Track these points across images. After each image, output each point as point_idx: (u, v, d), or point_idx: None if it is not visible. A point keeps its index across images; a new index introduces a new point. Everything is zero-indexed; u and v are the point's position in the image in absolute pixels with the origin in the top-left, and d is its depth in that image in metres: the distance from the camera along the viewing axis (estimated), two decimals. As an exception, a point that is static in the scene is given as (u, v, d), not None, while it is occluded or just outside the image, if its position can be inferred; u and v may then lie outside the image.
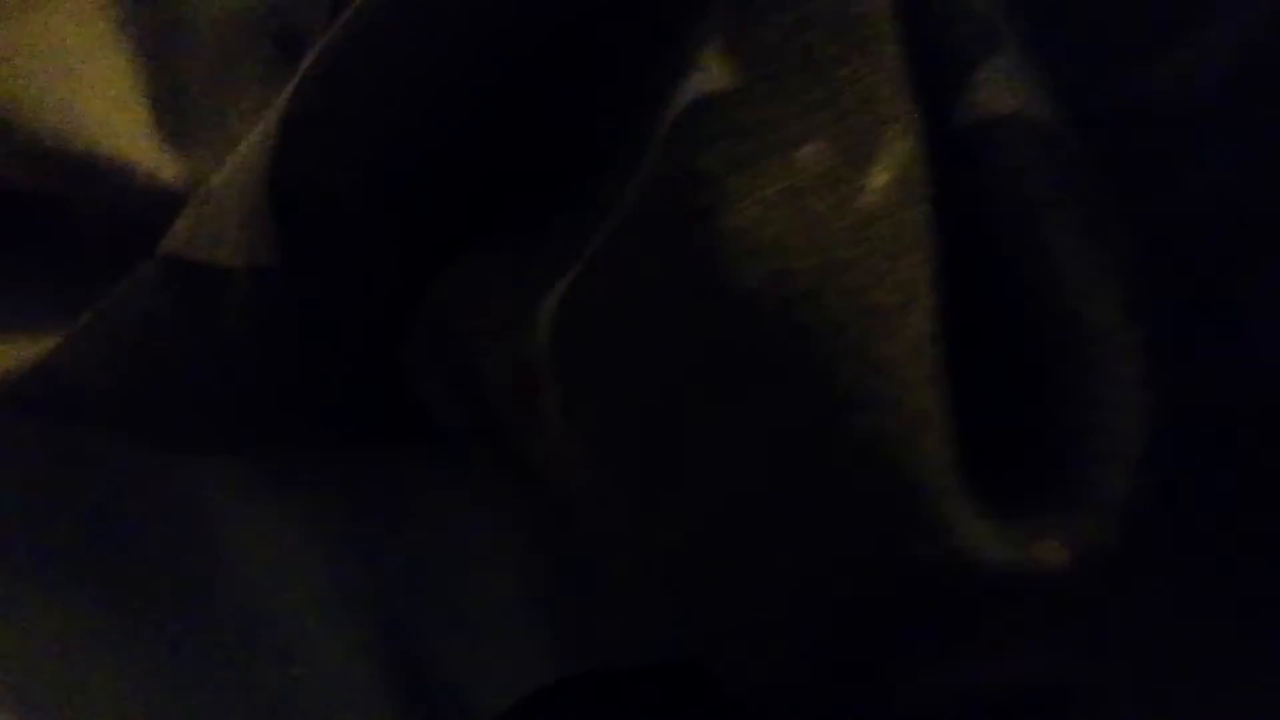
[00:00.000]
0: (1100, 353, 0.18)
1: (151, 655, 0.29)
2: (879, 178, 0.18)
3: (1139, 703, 0.20)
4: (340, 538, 0.29)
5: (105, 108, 0.26)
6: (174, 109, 0.26)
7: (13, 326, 0.26)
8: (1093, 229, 0.19)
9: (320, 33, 0.23)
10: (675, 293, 0.18)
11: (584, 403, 0.20)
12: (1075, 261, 0.18)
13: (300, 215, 0.23)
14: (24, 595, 0.29)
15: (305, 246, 0.23)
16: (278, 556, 0.29)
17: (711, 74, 0.18)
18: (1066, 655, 0.19)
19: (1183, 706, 0.20)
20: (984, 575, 0.16)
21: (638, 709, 0.25)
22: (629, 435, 0.20)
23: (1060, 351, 0.18)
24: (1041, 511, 0.17)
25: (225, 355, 0.24)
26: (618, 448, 0.20)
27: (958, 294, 0.18)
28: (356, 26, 0.21)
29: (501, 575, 0.29)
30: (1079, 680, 0.20)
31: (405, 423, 0.28)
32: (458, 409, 0.25)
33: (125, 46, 0.26)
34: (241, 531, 0.30)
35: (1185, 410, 0.18)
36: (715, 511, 0.19)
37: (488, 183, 0.23)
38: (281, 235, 0.23)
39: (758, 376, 0.18)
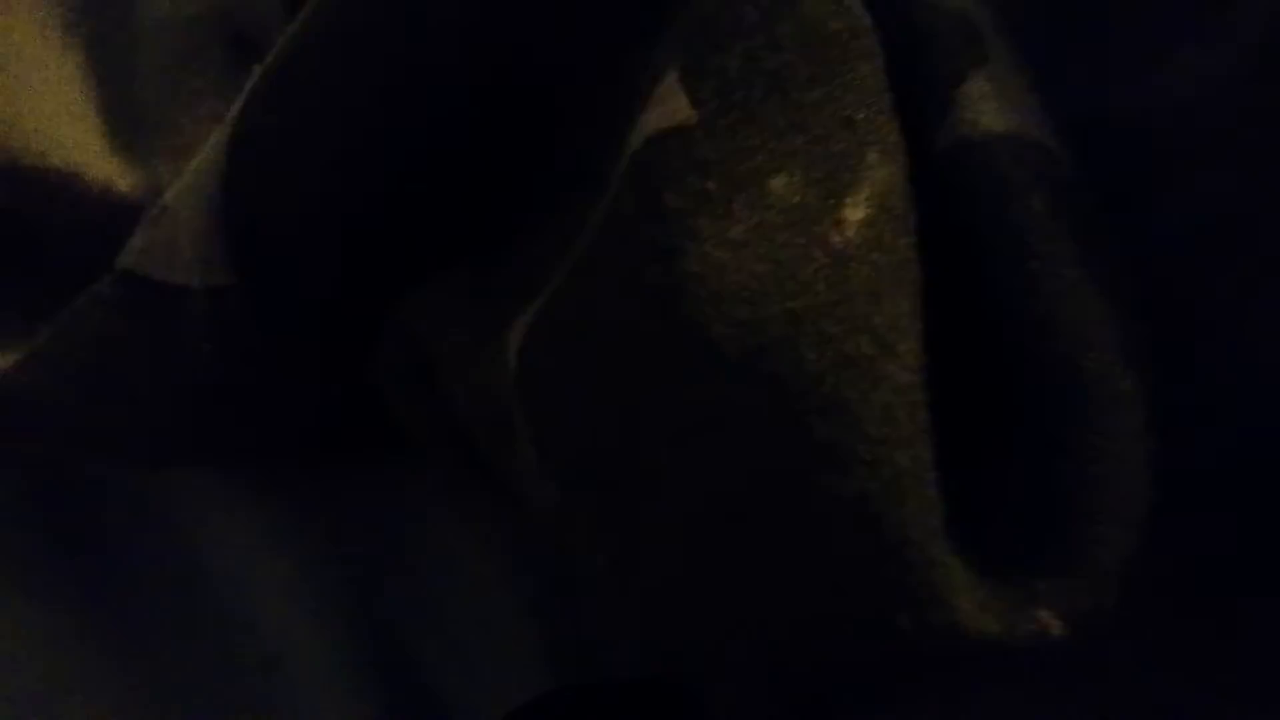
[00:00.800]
0: (1097, 401, 0.17)
1: (132, 664, 0.29)
2: (856, 211, 0.17)
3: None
4: (323, 545, 0.29)
5: (56, 118, 0.25)
6: (128, 118, 0.25)
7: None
8: (1088, 260, 0.17)
9: (277, 35, 0.22)
10: (637, 337, 0.17)
11: (551, 440, 0.19)
12: (1069, 301, 0.17)
13: (253, 237, 0.22)
14: (3, 604, 0.29)
15: (260, 267, 0.22)
16: (259, 565, 0.29)
17: (671, 106, 0.17)
18: (1045, 711, 0.18)
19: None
20: (972, 646, 0.15)
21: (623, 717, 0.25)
22: (596, 475, 0.19)
23: (1054, 400, 0.17)
24: (1035, 575, 0.16)
25: (184, 373, 0.24)
26: (586, 487, 0.19)
27: (941, 335, 0.17)
28: (303, 42, 0.20)
29: (487, 582, 0.28)
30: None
31: (379, 432, 0.27)
32: (430, 423, 0.24)
33: (75, 54, 0.25)
34: (223, 540, 0.29)
35: (1184, 445, 0.17)
36: (685, 558, 0.18)
37: (446, 205, 0.22)
38: (235, 257, 0.22)
39: (725, 429, 0.16)
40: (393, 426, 0.26)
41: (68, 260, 0.26)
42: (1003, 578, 0.16)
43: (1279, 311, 0.19)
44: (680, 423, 0.17)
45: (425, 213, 0.21)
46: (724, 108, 0.17)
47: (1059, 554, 0.16)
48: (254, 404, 0.25)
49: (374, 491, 0.29)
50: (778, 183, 0.17)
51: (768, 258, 0.17)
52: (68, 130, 0.25)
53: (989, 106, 0.18)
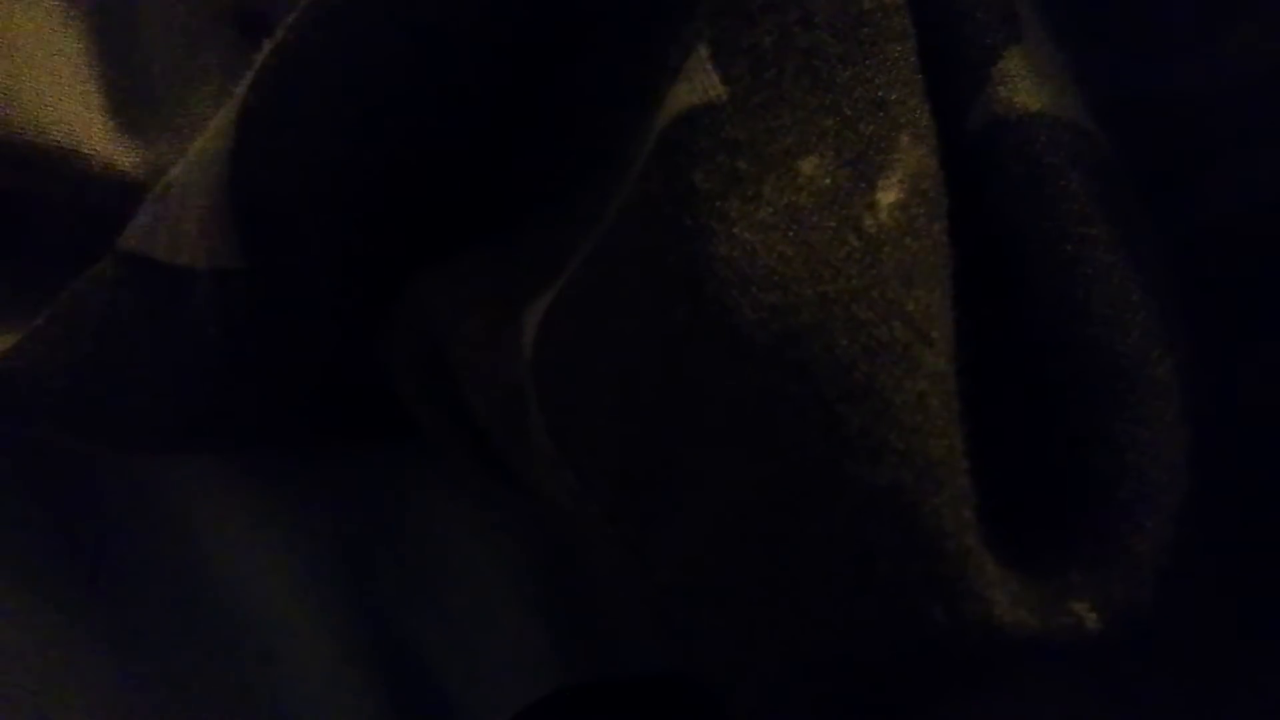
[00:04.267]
0: (1132, 388, 0.16)
1: (131, 656, 0.28)
2: (889, 194, 0.16)
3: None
4: (324, 538, 0.28)
5: (58, 95, 0.24)
6: (132, 95, 0.25)
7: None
8: (1125, 244, 0.17)
9: (286, 11, 0.21)
10: (660, 320, 0.17)
11: (569, 429, 0.19)
12: (1105, 284, 0.17)
13: (262, 217, 0.21)
14: (2, 596, 0.28)
15: (268, 249, 0.22)
16: (260, 557, 0.28)
17: (700, 83, 0.17)
18: (1078, 708, 0.18)
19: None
20: (1007, 640, 0.15)
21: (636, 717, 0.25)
22: (614, 467, 0.18)
23: (1088, 387, 0.16)
24: (1069, 567, 0.16)
25: (187, 357, 0.23)
26: (604, 478, 0.19)
27: (971, 321, 0.17)
28: (315, 15, 0.19)
29: (492, 577, 0.28)
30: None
31: (385, 420, 0.27)
32: (439, 412, 0.24)
33: (79, 31, 0.25)
34: (223, 531, 0.29)
35: (1221, 435, 0.17)
36: (709, 553, 0.17)
37: (461, 184, 0.21)
38: (243, 238, 0.21)
39: (753, 418, 0.16)
40: (397, 416, 0.26)
41: (66, 241, 0.25)
42: (1036, 570, 0.16)
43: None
44: (705, 410, 0.16)
45: (439, 192, 0.21)
46: (755, 85, 0.17)
47: (1092, 544, 0.16)
48: (257, 388, 0.24)
49: (376, 483, 0.29)
50: (808, 164, 0.17)
51: (798, 241, 0.16)
52: (69, 106, 0.24)
53: (1025, 85, 0.18)
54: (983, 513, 0.15)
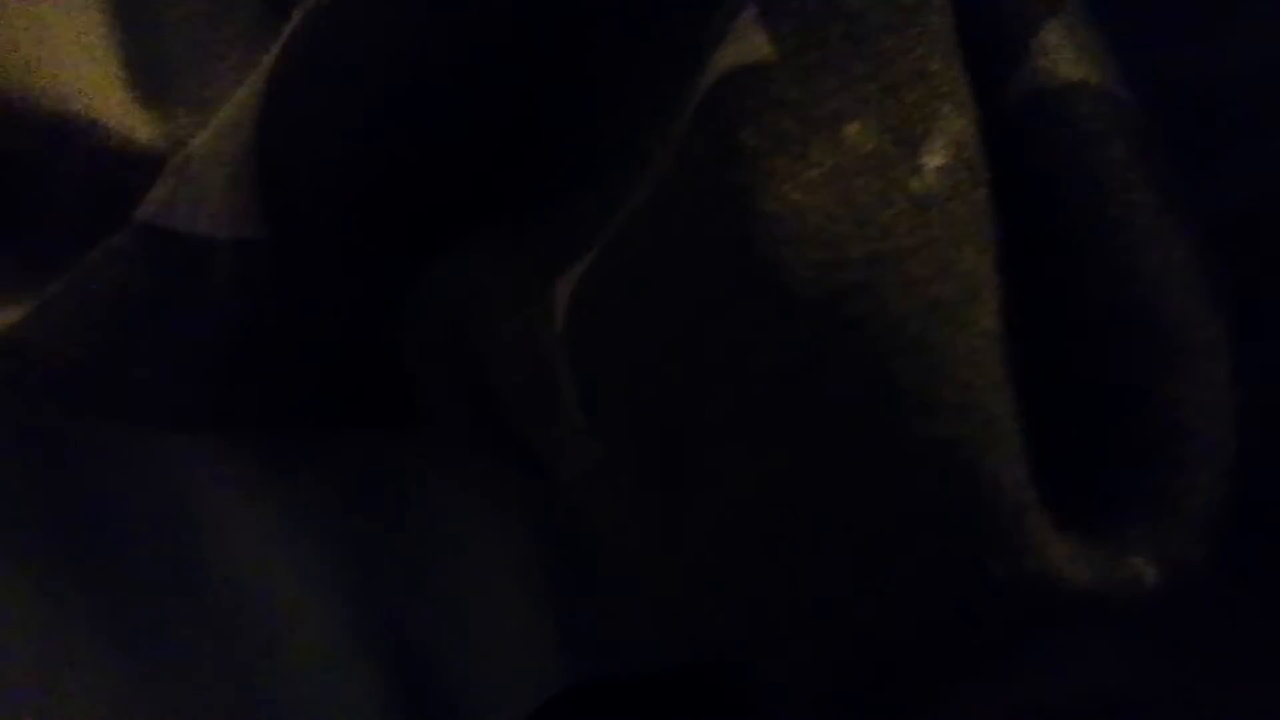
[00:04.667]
0: (1181, 349, 0.16)
1: (133, 642, 0.28)
2: (933, 159, 0.17)
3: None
4: (331, 526, 0.28)
5: (77, 64, 0.24)
6: (152, 67, 0.24)
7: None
8: (1169, 209, 0.17)
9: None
10: (706, 281, 0.17)
11: (603, 398, 0.19)
12: (1150, 247, 0.17)
13: (288, 185, 0.21)
14: (1, 581, 0.28)
15: (293, 219, 0.21)
16: (265, 544, 0.28)
17: (750, 43, 0.17)
18: (1127, 670, 0.18)
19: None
20: (1065, 596, 0.15)
21: (644, 717, 0.24)
22: (653, 434, 0.18)
23: (1137, 348, 0.16)
24: (1124, 524, 0.16)
25: (204, 331, 0.23)
26: (640, 446, 0.18)
27: (1017, 288, 0.17)
28: None
29: (501, 569, 0.28)
30: (1133, 695, 0.18)
31: (398, 406, 0.26)
32: (457, 393, 0.23)
33: (100, 2, 0.24)
34: (227, 517, 0.28)
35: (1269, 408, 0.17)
36: (752, 517, 0.17)
37: (493, 152, 0.21)
38: (268, 206, 0.21)
39: (803, 375, 0.16)
40: (406, 402, 0.25)
41: (77, 214, 0.25)
42: (1091, 528, 0.16)
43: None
44: (751, 371, 0.16)
45: (468, 163, 0.21)
46: (803, 47, 0.17)
47: (1146, 502, 0.16)
48: (272, 364, 0.24)
49: (381, 475, 0.28)
50: (852, 129, 0.17)
51: (846, 201, 0.16)
52: (89, 76, 0.24)
53: (1066, 56, 0.18)
54: (1035, 472, 0.15)
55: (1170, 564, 0.16)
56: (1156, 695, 0.19)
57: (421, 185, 0.21)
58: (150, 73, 0.24)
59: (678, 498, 0.18)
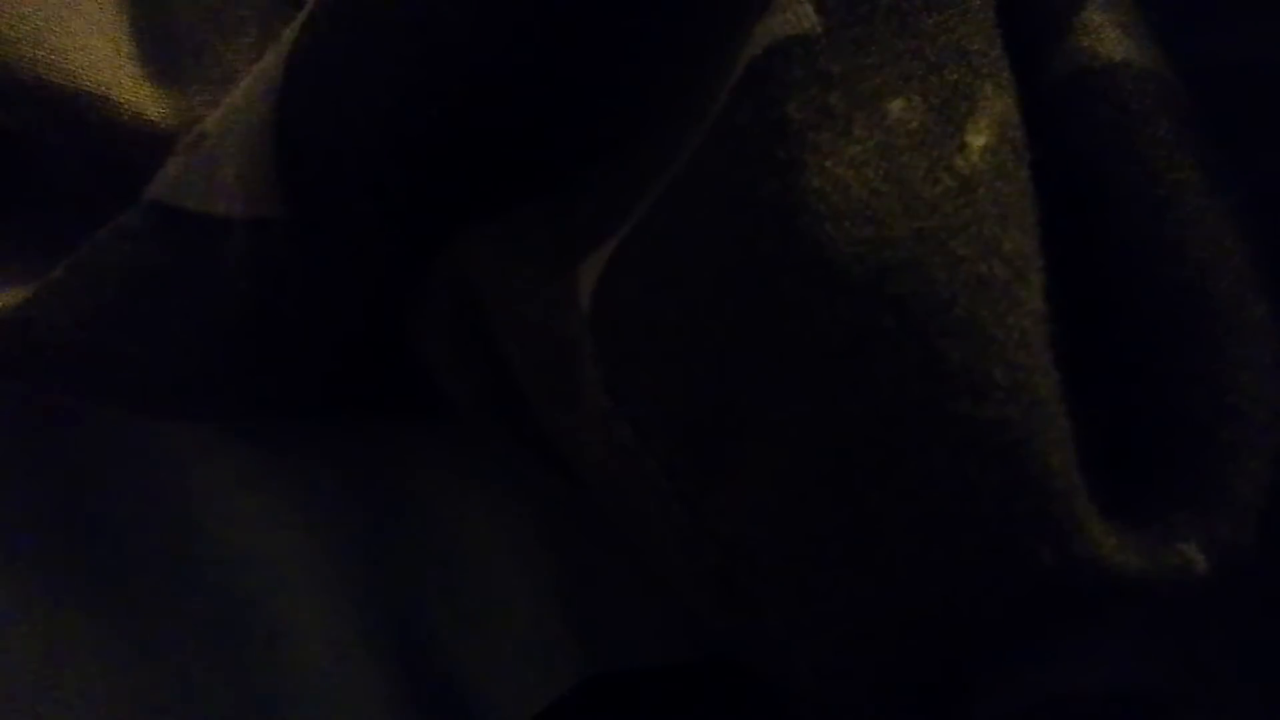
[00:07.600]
0: (1229, 330, 0.16)
1: (134, 637, 0.27)
2: (978, 138, 0.16)
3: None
4: (336, 518, 0.27)
5: (87, 40, 0.23)
6: (163, 44, 0.24)
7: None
8: (1214, 188, 0.17)
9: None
10: (746, 257, 0.16)
11: (632, 379, 0.18)
12: (1198, 228, 0.16)
13: (307, 164, 0.21)
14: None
15: (311, 198, 0.21)
16: (269, 537, 0.28)
17: (795, 15, 0.16)
18: (1168, 661, 0.17)
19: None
20: (1114, 582, 0.15)
21: (659, 710, 0.24)
22: (681, 416, 0.18)
23: (1184, 330, 0.16)
24: (1173, 510, 0.15)
25: (216, 313, 0.22)
26: (671, 430, 0.18)
27: (1058, 269, 0.16)
28: None
29: (506, 561, 0.27)
30: (1172, 688, 0.18)
31: (408, 394, 0.26)
32: (471, 379, 0.23)
33: (111, -26, 0.24)
34: (230, 510, 0.28)
35: None
36: (788, 504, 0.17)
37: (519, 130, 0.20)
38: (285, 185, 0.21)
39: (846, 355, 0.15)
40: (415, 392, 0.25)
41: (84, 192, 0.24)
42: (1139, 514, 0.15)
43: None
44: (792, 350, 0.16)
45: (489, 142, 0.20)
46: (849, 20, 0.16)
47: (1195, 487, 0.16)
48: (284, 348, 0.23)
49: (388, 464, 0.28)
50: (896, 106, 0.16)
51: (891, 178, 0.16)
52: (99, 51, 0.23)
53: (1109, 35, 0.18)
54: (1081, 457, 0.15)
55: (1219, 551, 0.15)
56: (1193, 693, 0.18)
57: (444, 165, 0.21)
58: (162, 48, 0.24)
59: (710, 483, 0.18)
